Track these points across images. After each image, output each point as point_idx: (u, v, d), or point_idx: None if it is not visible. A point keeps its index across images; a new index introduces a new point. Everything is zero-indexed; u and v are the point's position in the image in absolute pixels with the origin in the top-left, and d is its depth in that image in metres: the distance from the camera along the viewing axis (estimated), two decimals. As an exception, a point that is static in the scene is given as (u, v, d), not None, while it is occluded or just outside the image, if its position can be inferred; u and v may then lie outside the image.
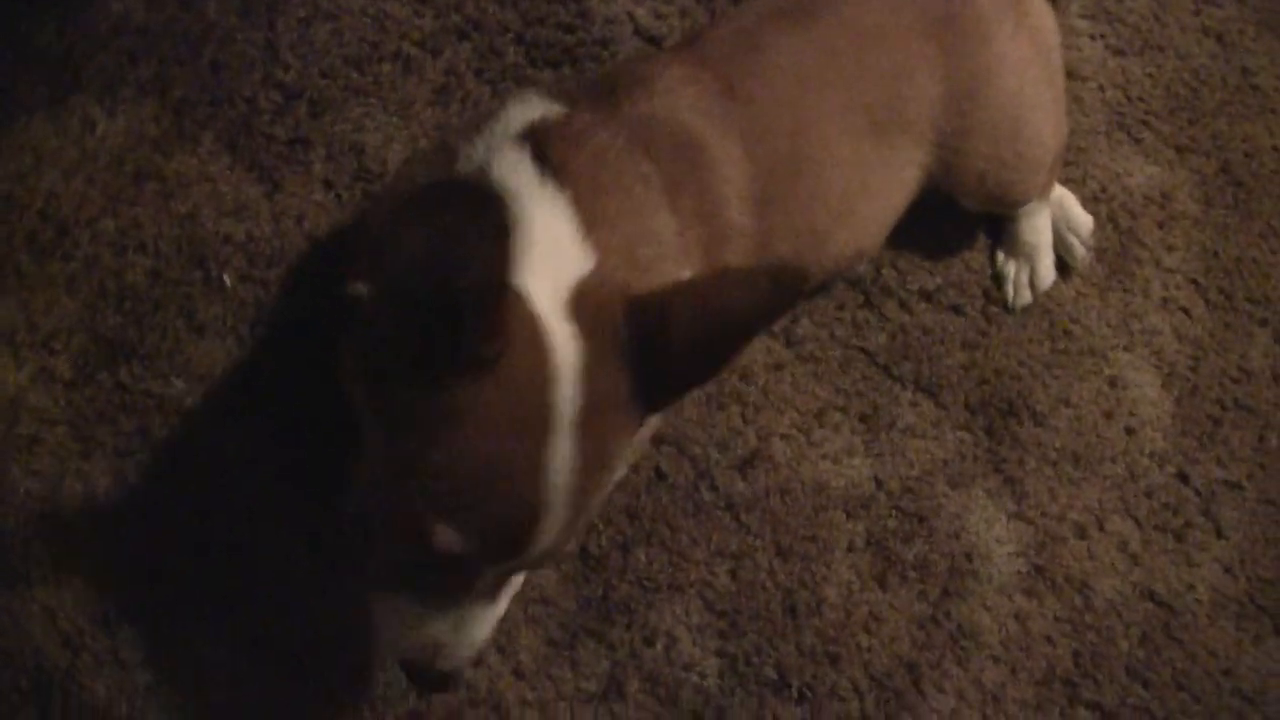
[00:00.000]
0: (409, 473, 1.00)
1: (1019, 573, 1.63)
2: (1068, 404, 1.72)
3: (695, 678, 1.51)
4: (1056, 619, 1.62)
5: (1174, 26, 1.98)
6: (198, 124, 1.63)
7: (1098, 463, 1.70)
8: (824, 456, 1.63)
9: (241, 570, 1.45)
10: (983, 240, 1.79)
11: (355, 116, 1.66)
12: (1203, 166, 1.90)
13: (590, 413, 1.00)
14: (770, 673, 1.52)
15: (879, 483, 1.63)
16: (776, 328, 1.66)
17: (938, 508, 1.64)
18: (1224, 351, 1.80)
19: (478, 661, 1.40)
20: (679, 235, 1.21)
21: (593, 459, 1.02)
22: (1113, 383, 1.75)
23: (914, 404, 1.68)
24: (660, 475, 1.57)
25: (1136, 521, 1.69)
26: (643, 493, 1.55)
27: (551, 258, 1.07)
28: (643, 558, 1.53)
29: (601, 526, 1.53)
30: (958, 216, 1.67)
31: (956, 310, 1.74)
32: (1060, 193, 1.78)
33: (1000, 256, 1.76)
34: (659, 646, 1.51)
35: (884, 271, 1.73)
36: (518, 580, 1.24)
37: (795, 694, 1.52)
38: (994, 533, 1.64)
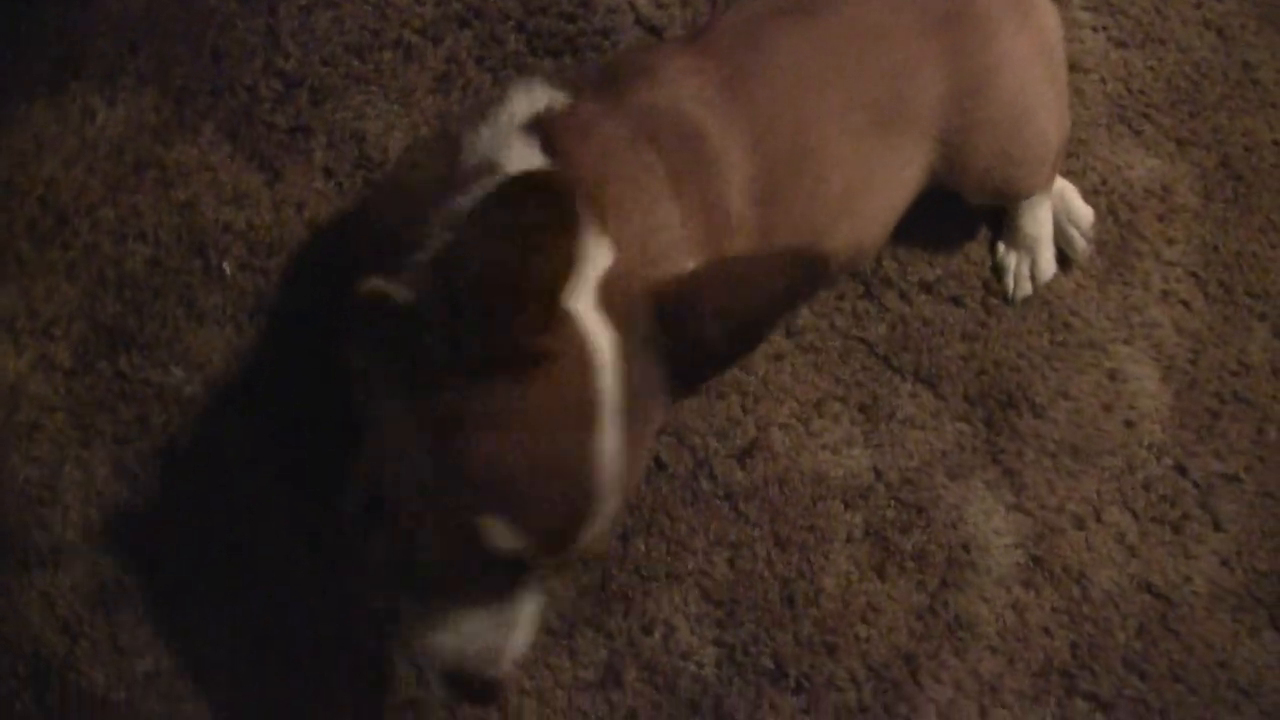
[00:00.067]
0: (455, 474, 1.00)
1: (1017, 564, 1.63)
2: (1067, 396, 1.72)
3: (693, 667, 1.51)
4: (1054, 610, 1.62)
5: (1175, 20, 1.97)
6: (198, 112, 1.62)
7: (1096, 455, 1.70)
8: (823, 447, 1.63)
9: (241, 569, 1.45)
10: (983, 232, 1.79)
11: (356, 104, 1.66)
12: (1203, 160, 1.90)
13: (628, 401, 1.02)
14: (768, 662, 1.53)
15: (878, 473, 1.64)
16: (777, 318, 1.67)
17: (936, 499, 1.64)
18: (1223, 345, 1.80)
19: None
20: (684, 226, 1.21)
21: (632, 446, 1.04)
22: (1112, 375, 1.75)
23: (913, 395, 1.68)
24: (659, 464, 1.57)
25: (1134, 513, 1.69)
26: (641, 482, 1.55)
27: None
28: (641, 547, 1.54)
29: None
30: (958, 209, 1.67)
31: (956, 302, 1.74)
32: (1061, 185, 1.78)
33: (1001, 248, 1.76)
34: (657, 635, 1.51)
35: (884, 263, 1.73)
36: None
37: (793, 684, 1.53)
38: (992, 524, 1.64)
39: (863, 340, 1.69)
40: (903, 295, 1.72)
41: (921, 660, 1.57)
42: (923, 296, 1.73)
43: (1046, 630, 1.61)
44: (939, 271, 1.74)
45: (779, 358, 1.65)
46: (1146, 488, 1.70)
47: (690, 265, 1.17)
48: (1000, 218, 1.77)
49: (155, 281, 1.54)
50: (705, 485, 1.58)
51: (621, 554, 1.53)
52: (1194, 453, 1.73)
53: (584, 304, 1.03)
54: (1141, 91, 1.91)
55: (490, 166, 1.12)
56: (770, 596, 1.55)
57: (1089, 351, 1.75)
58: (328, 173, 1.62)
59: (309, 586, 1.45)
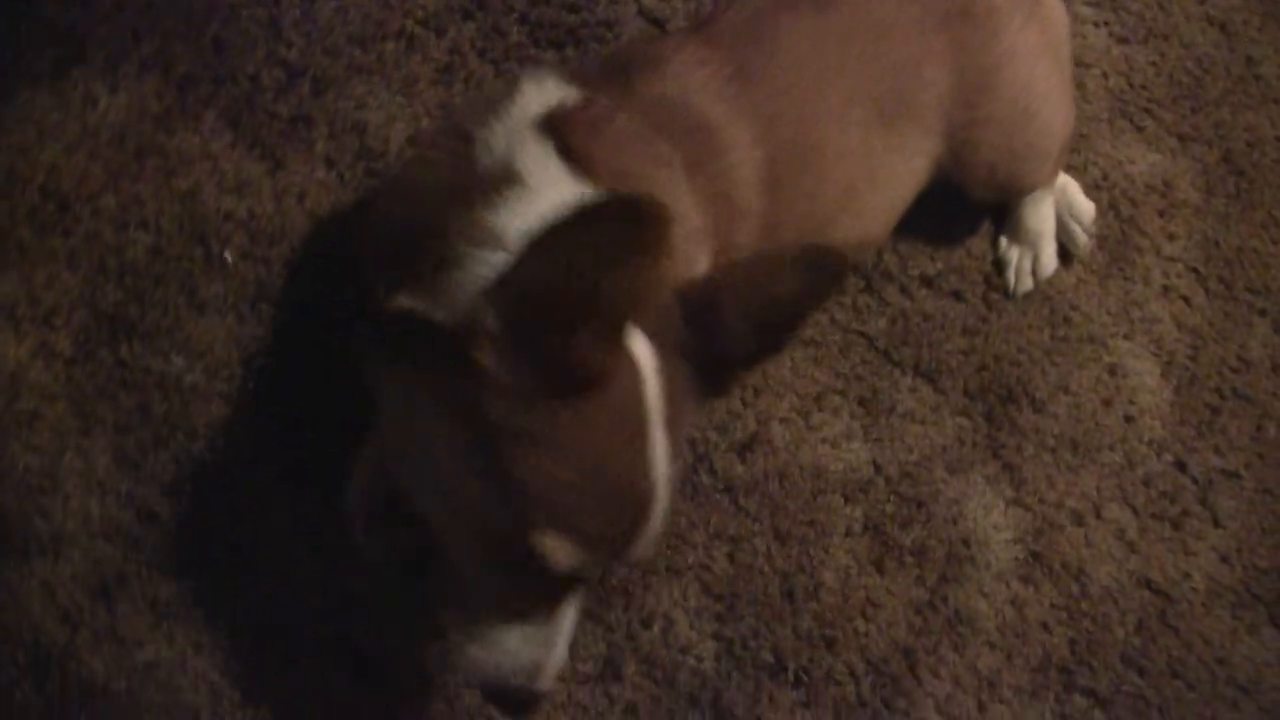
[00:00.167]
0: (511, 493, 0.99)
1: (1016, 559, 1.63)
2: (1067, 391, 1.72)
3: (692, 660, 1.51)
4: (1053, 606, 1.62)
5: (1178, 15, 1.97)
6: (200, 101, 1.62)
7: (1096, 450, 1.71)
8: (823, 441, 1.63)
9: (242, 568, 1.45)
10: (984, 227, 1.79)
11: (358, 95, 1.65)
12: (1205, 155, 1.90)
13: (669, 405, 1.03)
14: (767, 656, 1.53)
15: (877, 468, 1.64)
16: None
17: (936, 493, 1.64)
18: (1223, 340, 1.80)
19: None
20: (699, 218, 1.21)
21: (674, 449, 1.04)
22: (1112, 370, 1.75)
23: (913, 389, 1.68)
24: (660, 458, 1.57)
25: (1134, 509, 1.69)
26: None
27: None
28: (641, 540, 1.54)
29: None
30: (961, 203, 1.66)
31: (957, 296, 1.73)
32: (1063, 180, 1.78)
33: (1004, 243, 1.76)
34: (656, 629, 1.51)
35: (885, 257, 1.72)
36: None
37: (792, 678, 1.53)
38: (992, 519, 1.64)
39: (863, 334, 1.69)
40: (903, 289, 1.72)
41: (920, 655, 1.57)
42: (923, 291, 1.73)
43: (1045, 626, 1.61)
44: (940, 266, 1.74)
45: (780, 351, 1.65)
46: (1146, 484, 1.70)
47: (703, 257, 1.16)
48: (1004, 212, 1.77)
49: (156, 270, 1.53)
50: (705, 479, 1.58)
51: (622, 546, 1.53)
52: (1194, 449, 1.74)
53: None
54: (1143, 87, 1.91)
55: (509, 174, 1.10)
56: (770, 591, 1.55)
57: (1089, 346, 1.75)
58: (329, 163, 1.61)
59: (309, 586, 1.45)
